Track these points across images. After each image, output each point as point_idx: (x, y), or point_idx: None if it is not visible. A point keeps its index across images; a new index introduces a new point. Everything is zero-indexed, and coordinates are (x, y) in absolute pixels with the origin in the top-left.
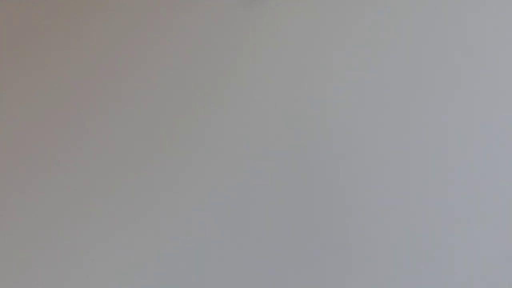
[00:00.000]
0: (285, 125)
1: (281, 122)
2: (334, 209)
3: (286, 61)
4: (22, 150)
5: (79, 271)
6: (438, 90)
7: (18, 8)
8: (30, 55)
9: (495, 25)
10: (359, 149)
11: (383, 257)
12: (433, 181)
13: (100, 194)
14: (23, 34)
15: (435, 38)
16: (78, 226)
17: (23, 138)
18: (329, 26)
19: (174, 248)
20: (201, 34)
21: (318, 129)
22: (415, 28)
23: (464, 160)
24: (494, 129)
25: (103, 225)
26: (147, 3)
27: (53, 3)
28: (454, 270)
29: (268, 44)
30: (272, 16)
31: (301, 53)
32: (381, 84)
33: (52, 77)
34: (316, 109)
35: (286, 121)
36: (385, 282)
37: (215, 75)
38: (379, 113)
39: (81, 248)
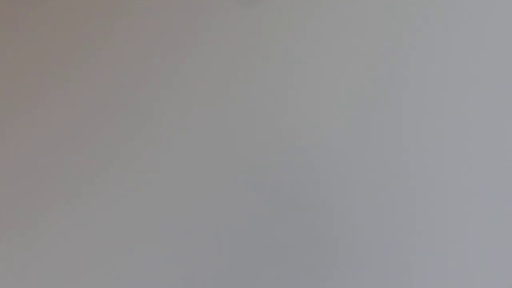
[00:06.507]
0: (284, 125)
1: (280, 122)
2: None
3: (286, 61)
4: None
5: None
6: (437, 91)
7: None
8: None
9: (496, 25)
10: (359, 150)
11: (382, 259)
12: (430, 180)
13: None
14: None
15: (435, 38)
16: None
17: None
18: (329, 26)
19: (171, 250)
20: (200, 34)
21: (317, 130)
22: (416, 28)
23: (463, 162)
24: (493, 132)
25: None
26: (147, 3)
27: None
28: (454, 272)
29: (268, 44)
30: (272, 16)
31: (301, 53)
32: (381, 85)
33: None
34: (315, 110)
35: (285, 121)
36: (383, 284)
37: (215, 75)
38: (379, 114)
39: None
